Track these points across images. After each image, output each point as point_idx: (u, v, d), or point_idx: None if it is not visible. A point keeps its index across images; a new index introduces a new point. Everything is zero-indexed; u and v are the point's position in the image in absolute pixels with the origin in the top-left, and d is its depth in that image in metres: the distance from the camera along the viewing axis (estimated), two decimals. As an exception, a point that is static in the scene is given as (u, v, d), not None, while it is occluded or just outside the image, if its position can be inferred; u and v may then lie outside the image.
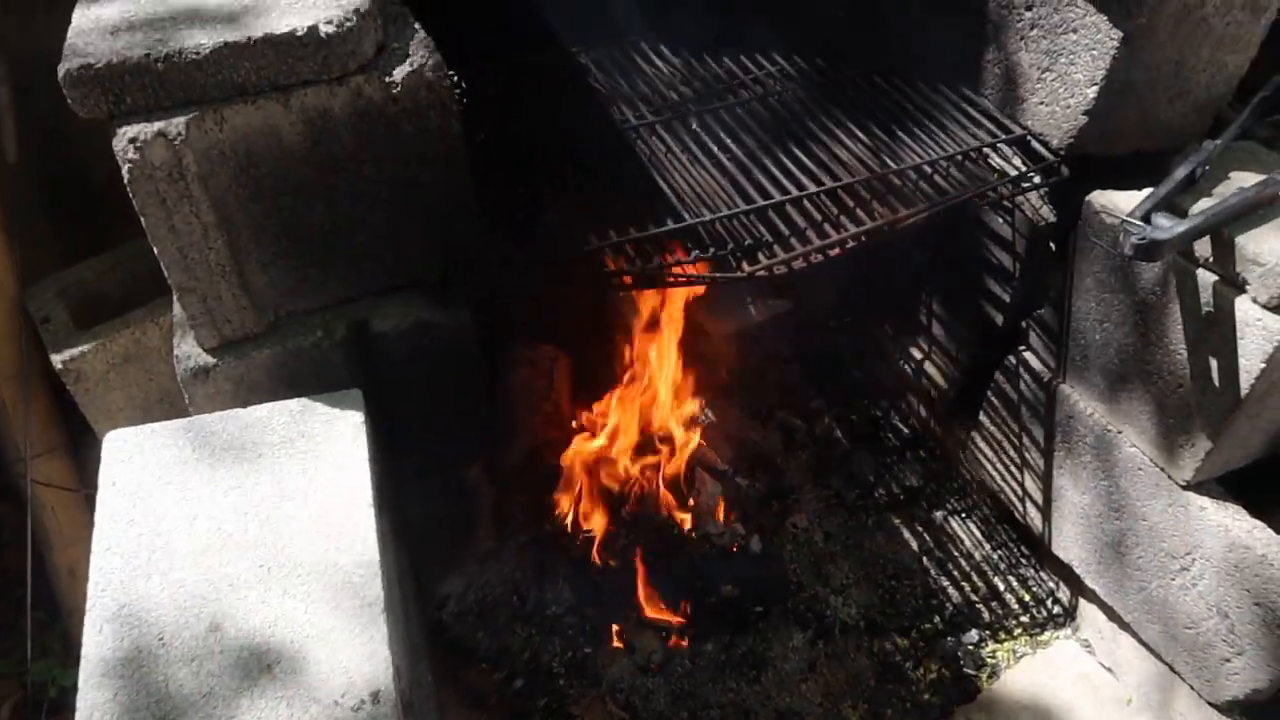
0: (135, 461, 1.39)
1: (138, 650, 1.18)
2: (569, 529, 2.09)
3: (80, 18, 1.32)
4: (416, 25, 1.45)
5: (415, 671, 1.57)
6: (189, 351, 1.49)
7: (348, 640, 1.20)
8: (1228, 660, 1.70)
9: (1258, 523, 1.62)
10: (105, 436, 1.42)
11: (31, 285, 1.97)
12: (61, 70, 1.22)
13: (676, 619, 2.02)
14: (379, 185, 1.44)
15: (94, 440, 1.86)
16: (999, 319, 2.06)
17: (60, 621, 2.16)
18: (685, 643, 2.01)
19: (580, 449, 2.13)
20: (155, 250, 1.35)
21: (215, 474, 1.37)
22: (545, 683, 1.96)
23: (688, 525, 2.14)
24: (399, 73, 1.36)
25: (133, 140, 1.25)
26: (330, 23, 1.29)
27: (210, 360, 1.48)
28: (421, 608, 1.92)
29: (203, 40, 1.25)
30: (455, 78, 1.43)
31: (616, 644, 2.00)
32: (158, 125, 1.25)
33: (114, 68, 1.23)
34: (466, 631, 2.01)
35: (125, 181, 1.28)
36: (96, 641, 1.19)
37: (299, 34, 1.27)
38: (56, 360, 1.84)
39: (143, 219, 1.32)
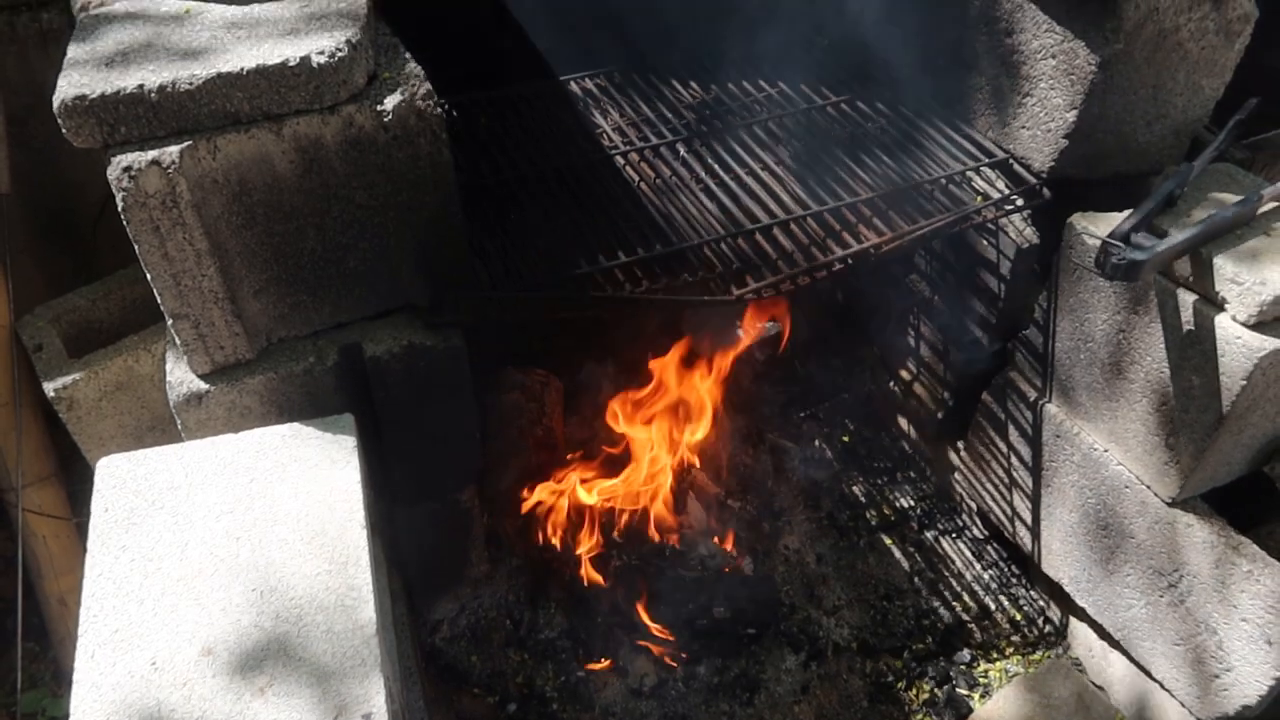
0: (128, 487, 1.39)
1: (130, 676, 1.18)
2: (561, 553, 2.09)
3: (75, 49, 1.34)
4: (407, 55, 1.47)
5: (408, 695, 1.57)
6: (181, 378, 1.50)
7: (340, 663, 1.20)
8: (1217, 676, 1.71)
9: (1243, 539, 1.63)
10: (98, 462, 1.43)
11: (24, 313, 1.97)
12: (56, 101, 1.24)
13: (669, 642, 2.02)
14: (370, 212, 1.45)
15: (85, 468, 1.87)
16: (985, 340, 2.08)
17: (50, 651, 2.15)
18: (678, 665, 2.01)
19: (573, 474, 2.13)
20: (149, 277, 1.37)
21: (207, 499, 1.38)
22: (538, 707, 1.96)
23: (679, 548, 2.14)
24: (390, 102, 1.38)
25: (127, 169, 1.26)
26: (322, 53, 1.31)
27: (203, 386, 1.49)
28: (414, 631, 1.92)
29: (196, 70, 1.27)
30: (446, 106, 1.45)
31: (609, 667, 2.00)
32: (152, 154, 1.27)
33: (108, 98, 1.25)
34: (460, 655, 2.01)
35: (119, 209, 1.29)
36: (89, 667, 1.19)
37: (291, 64, 1.29)
38: (49, 388, 1.85)
39: (136, 246, 1.33)
